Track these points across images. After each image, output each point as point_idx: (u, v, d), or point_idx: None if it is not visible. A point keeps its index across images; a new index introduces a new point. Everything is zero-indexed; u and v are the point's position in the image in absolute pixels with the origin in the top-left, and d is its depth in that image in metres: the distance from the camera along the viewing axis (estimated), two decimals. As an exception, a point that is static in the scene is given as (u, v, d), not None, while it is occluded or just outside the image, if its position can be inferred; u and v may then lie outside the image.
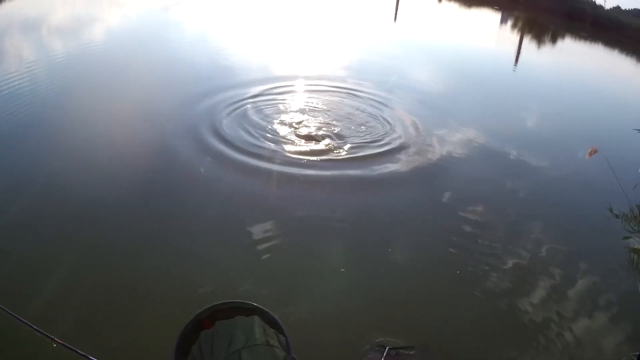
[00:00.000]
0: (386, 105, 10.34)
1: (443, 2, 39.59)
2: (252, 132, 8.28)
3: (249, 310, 2.49)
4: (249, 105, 9.40)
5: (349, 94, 10.75)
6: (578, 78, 19.46)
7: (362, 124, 9.18)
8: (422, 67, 14.80)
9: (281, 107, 9.56)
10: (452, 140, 9.19)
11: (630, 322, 5.33)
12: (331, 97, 10.39)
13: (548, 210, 7.50)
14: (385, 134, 8.90)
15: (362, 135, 8.70)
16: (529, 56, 22.70)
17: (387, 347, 4.39)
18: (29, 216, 5.72)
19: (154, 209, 6.22)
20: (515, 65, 19.31)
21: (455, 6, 38.81)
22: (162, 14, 18.06)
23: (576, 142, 10.58)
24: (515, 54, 22.08)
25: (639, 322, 5.07)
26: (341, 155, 7.99)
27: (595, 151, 5.44)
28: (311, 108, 9.62)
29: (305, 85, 11.01)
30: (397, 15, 28.08)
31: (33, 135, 7.65)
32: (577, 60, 24.46)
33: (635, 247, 6.76)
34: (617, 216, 7.08)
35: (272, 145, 7.95)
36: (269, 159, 7.55)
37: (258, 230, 5.95)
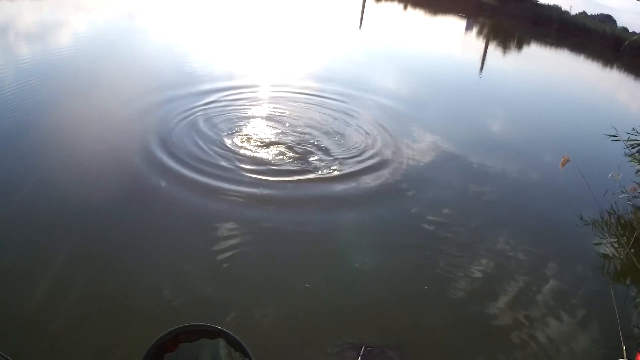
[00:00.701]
0: (351, 115, 10.00)
1: (409, 9, 39.66)
2: (205, 146, 7.77)
3: (213, 333, 2.34)
4: (208, 115, 8.95)
5: (312, 102, 10.40)
6: (544, 84, 19.49)
7: (326, 134, 8.82)
8: (387, 75, 14.56)
9: (242, 117, 9.11)
10: (419, 149, 8.95)
11: (600, 326, 5.33)
12: (293, 106, 10.02)
13: (518, 216, 7.39)
14: (350, 144, 8.56)
15: (325, 145, 8.33)
16: (495, 63, 22.81)
17: (364, 347, 4.40)
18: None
19: (112, 222, 5.88)
20: (480, 72, 19.25)
21: (421, 13, 38.91)
22: (127, 20, 17.45)
23: (544, 148, 10.48)
24: (481, 61, 22.07)
25: (608, 326, 4.94)
26: (305, 167, 7.64)
27: (567, 160, 5.40)
28: (273, 118, 9.21)
29: (268, 94, 10.68)
30: (363, 22, 27.90)
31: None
32: (543, 66, 24.65)
33: (605, 252, 6.82)
34: (587, 222, 7.22)
35: (229, 158, 7.51)
36: (231, 173, 7.12)
37: (223, 242, 5.70)
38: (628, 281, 6.39)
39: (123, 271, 5.04)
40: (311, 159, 7.87)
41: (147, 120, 8.49)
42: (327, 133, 8.93)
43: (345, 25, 26.12)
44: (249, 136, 8.25)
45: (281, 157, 7.71)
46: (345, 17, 29.88)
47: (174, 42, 14.49)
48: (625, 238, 6.90)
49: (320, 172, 7.52)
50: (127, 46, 13.18)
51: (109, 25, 16.14)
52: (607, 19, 43.23)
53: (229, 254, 5.50)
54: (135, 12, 18.68)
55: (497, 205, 7.56)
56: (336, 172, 7.52)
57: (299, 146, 8.22)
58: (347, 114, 10.03)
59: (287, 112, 9.52)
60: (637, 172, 7.67)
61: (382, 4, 44.55)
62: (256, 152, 7.78)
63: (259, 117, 9.20)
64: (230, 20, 21.09)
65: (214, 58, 13.38)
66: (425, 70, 16.80)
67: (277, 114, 9.38)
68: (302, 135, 8.64)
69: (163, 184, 6.69)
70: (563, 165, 5.44)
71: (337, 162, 7.90)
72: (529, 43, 32.53)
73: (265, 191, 6.75)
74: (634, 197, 7.61)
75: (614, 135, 7.78)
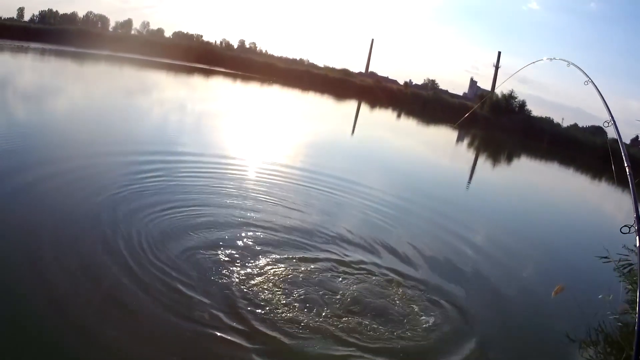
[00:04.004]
0: (332, 225, 9.35)
1: (402, 117, 40.25)
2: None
3: None
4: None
5: (292, 209, 9.78)
6: (535, 197, 19.31)
7: (307, 241, 8.12)
8: (372, 181, 14.11)
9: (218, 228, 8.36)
10: (400, 262, 8.17)
11: None
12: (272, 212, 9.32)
13: (503, 334, 6.91)
14: (330, 255, 7.82)
15: (301, 253, 7.60)
16: (484, 174, 22.70)
17: None
18: None
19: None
20: (469, 183, 18.92)
21: (414, 123, 39.44)
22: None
23: (533, 264, 10.01)
24: (470, 172, 21.88)
25: None
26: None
27: (562, 289, 5.24)
28: (250, 226, 8.44)
29: (246, 209, 9.90)
30: (355, 129, 28.03)
31: None
32: (534, 179, 24.44)
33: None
34: (574, 341, 6.68)
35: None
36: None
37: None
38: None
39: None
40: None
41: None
42: (306, 241, 8.21)
43: (337, 131, 26.08)
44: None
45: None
46: (339, 123, 30.12)
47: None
48: (613, 357, 6.24)
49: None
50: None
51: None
52: (598, 131, 43.95)
53: None
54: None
55: (482, 322, 6.90)
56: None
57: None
58: (330, 223, 9.36)
59: (264, 222, 8.81)
60: (627, 292, 7.12)
61: (377, 111, 45.50)
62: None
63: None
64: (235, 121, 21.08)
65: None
66: (413, 179, 16.47)
67: (255, 223, 8.62)
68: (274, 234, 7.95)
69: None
70: (556, 294, 5.21)
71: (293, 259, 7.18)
72: (519, 155, 32.65)
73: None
74: (623, 314, 7.05)
75: (605, 257, 7.28)
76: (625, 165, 3.63)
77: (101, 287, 5.56)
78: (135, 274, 5.91)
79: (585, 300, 7.26)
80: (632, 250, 6.97)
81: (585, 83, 4.78)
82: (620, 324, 6.86)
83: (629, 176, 3.52)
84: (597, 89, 4.63)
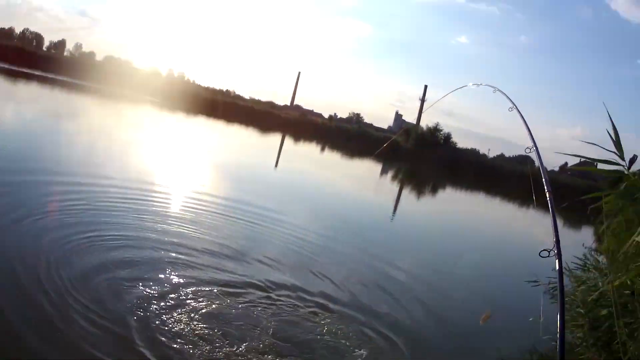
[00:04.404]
0: (255, 256, 8.77)
1: (326, 150, 40.23)
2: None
3: None
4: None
5: (214, 240, 9.12)
6: (460, 228, 19.49)
7: (228, 272, 7.65)
8: (298, 214, 13.63)
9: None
10: (326, 294, 7.75)
11: None
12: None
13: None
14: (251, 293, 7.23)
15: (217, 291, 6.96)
16: (409, 206, 22.76)
17: None
18: None
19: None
20: (393, 215, 18.78)
21: (338, 156, 39.49)
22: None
23: (462, 292, 10.08)
24: (394, 204, 21.81)
25: None
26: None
27: (489, 316, 5.01)
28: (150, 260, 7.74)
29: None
30: (279, 161, 27.68)
31: None
32: (460, 209, 24.88)
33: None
34: None
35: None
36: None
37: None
38: None
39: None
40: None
41: None
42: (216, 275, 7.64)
43: (261, 163, 25.67)
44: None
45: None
46: (263, 155, 29.75)
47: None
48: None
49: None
50: None
51: None
52: (525, 159, 45.34)
53: None
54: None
55: (415, 352, 6.74)
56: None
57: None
58: (249, 256, 8.79)
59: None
60: None
61: (301, 144, 45.44)
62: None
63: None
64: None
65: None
66: (337, 211, 16.17)
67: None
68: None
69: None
70: (484, 321, 5.03)
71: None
72: (445, 187, 33.08)
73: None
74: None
75: (535, 281, 7.29)
76: (546, 190, 3.65)
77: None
78: (43, 305, 5.47)
79: (517, 324, 7.29)
80: (564, 272, 7.04)
81: (510, 109, 4.77)
82: (554, 343, 6.74)
83: (549, 201, 3.58)
84: (521, 115, 4.66)
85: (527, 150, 4.21)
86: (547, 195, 3.62)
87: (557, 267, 3.18)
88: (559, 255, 3.17)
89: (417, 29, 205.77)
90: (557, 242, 3.21)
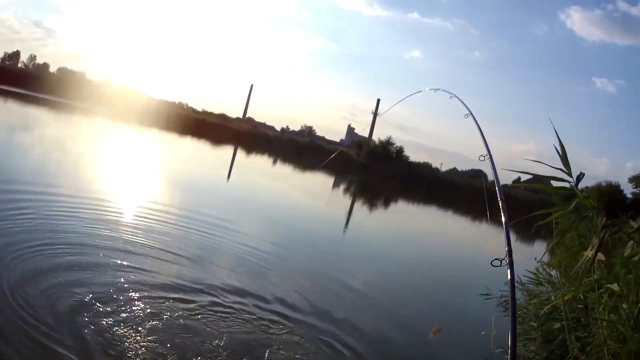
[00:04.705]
0: (208, 268, 8.62)
1: (278, 163, 40.12)
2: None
3: None
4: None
5: (166, 251, 8.90)
6: (412, 241, 19.53)
7: (181, 284, 7.49)
8: (250, 226, 13.46)
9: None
10: (279, 307, 7.66)
11: None
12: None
13: None
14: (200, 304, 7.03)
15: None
16: (361, 219, 22.71)
17: None
18: None
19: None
20: (345, 227, 18.75)
21: (289, 169, 39.41)
22: None
23: (414, 305, 10.07)
24: (347, 217, 21.80)
25: None
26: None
27: (439, 330, 5.22)
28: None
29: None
30: (231, 174, 27.42)
31: None
32: (412, 222, 25.06)
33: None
34: None
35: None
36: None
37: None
38: None
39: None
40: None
41: None
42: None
43: (213, 176, 25.35)
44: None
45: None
46: (215, 168, 29.47)
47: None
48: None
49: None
50: None
51: None
52: (478, 174, 46.09)
53: None
54: None
55: None
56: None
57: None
58: (197, 263, 8.65)
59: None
60: None
61: (253, 157, 45.24)
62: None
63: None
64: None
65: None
66: (288, 224, 16.07)
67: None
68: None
69: None
70: (434, 334, 5.21)
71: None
72: (397, 200, 33.31)
73: None
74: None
75: (487, 294, 7.34)
76: (499, 198, 3.65)
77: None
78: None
79: (469, 338, 7.48)
80: (516, 285, 7.06)
81: (466, 116, 4.77)
82: (507, 356, 6.80)
83: (501, 209, 3.55)
84: (476, 121, 4.66)
85: (482, 158, 4.16)
86: (500, 203, 3.62)
87: (509, 277, 3.15)
88: (510, 265, 3.15)
89: (370, 42, 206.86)
90: (510, 251, 3.20)
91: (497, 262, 3.17)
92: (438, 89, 5.68)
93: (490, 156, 4.14)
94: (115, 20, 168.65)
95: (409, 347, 7.80)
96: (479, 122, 4.61)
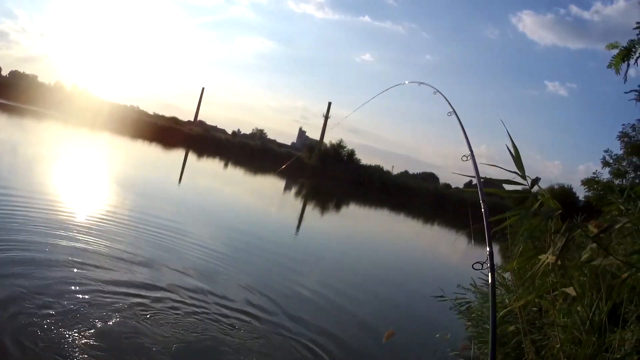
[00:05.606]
0: (161, 269, 8.52)
1: (229, 167, 39.80)
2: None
3: None
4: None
5: (121, 250, 8.77)
6: (364, 243, 19.63)
7: (133, 284, 7.41)
8: (201, 229, 13.29)
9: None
10: (235, 308, 7.59)
11: None
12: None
13: None
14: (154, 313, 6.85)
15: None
16: (313, 222, 22.72)
17: None
18: None
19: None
20: (297, 231, 18.70)
21: (241, 172, 39.15)
22: None
23: (367, 309, 9.86)
24: (298, 220, 21.77)
25: None
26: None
27: (392, 334, 5.28)
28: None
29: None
30: (182, 178, 27.04)
31: None
32: (363, 225, 25.06)
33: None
34: None
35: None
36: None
37: None
38: None
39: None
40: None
41: None
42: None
43: (164, 179, 24.97)
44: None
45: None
46: (166, 171, 29.03)
47: None
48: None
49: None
50: None
51: None
52: (430, 177, 46.48)
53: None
54: None
55: None
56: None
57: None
58: (149, 264, 8.58)
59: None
60: (467, 328, 7.22)
61: (204, 160, 44.78)
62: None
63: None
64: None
65: None
66: (240, 226, 15.93)
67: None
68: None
69: None
70: (387, 339, 5.25)
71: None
72: (348, 203, 33.41)
73: None
74: (464, 350, 7.16)
75: (441, 296, 7.37)
76: (480, 199, 3.59)
77: None
78: None
79: (424, 340, 7.60)
80: (469, 288, 7.21)
81: (449, 114, 4.64)
82: (462, 359, 6.93)
83: (483, 211, 3.50)
84: (459, 120, 4.56)
85: (464, 158, 4.07)
86: (482, 205, 3.58)
87: (490, 280, 3.12)
88: (491, 268, 3.15)
89: (321, 46, 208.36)
90: (491, 255, 3.20)
91: (479, 266, 3.20)
92: (422, 83, 5.54)
93: (473, 156, 4.07)
94: (70, 24, 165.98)
95: (360, 352, 7.70)
96: (455, 123, 4.51)
